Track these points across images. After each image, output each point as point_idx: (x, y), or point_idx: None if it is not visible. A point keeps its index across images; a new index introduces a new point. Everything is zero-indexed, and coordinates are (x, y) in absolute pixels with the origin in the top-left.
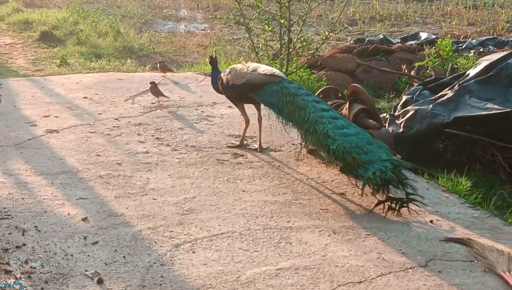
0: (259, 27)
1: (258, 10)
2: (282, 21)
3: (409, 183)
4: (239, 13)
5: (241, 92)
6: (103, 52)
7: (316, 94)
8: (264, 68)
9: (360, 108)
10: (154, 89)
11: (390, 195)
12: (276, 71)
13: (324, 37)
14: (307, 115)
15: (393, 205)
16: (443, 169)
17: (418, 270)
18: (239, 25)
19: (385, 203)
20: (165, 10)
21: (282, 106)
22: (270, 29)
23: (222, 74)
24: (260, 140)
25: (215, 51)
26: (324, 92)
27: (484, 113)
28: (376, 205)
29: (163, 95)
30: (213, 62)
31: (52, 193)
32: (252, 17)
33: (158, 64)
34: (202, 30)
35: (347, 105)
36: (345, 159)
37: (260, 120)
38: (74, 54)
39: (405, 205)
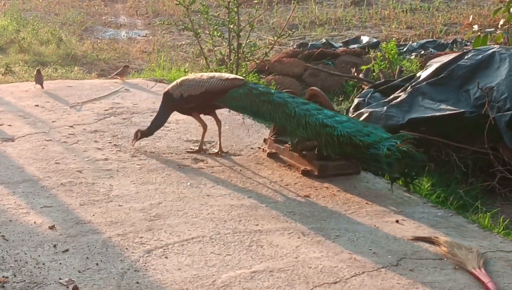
0: (207, 32)
1: (206, 16)
2: (231, 26)
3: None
4: (187, 19)
5: (200, 101)
6: (47, 59)
7: None
8: (222, 74)
9: None
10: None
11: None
12: (237, 75)
13: (273, 42)
14: (292, 110)
15: (408, 179)
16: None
17: (391, 269)
18: (186, 31)
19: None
20: (104, 17)
21: (257, 108)
22: (218, 34)
23: (169, 89)
24: (220, 144)
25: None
26: None
27: (437, 114)
28: (393, 182)
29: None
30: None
31: (15, 202)
32: (200, 23)
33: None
34: (144, 36)
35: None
36: (353, 143)
37: (219, 124)
38: (18, 62)
39: (415, 178)
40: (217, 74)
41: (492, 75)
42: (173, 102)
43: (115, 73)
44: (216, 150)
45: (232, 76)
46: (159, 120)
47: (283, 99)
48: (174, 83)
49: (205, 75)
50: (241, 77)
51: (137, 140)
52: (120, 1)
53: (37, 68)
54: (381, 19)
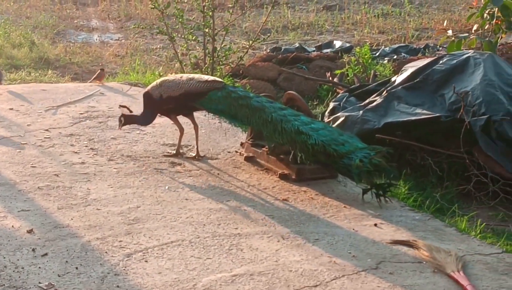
0: (182, 36)
1: (180, 20)
2: (206, 30)
3: (393, 167)
4: (161, 22)
5: (179, 103)
6: (19, 63)
7: None
8: (201, 76)
9: None
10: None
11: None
12: (217, 78)
13: (248, 46)
14: (269, 115)
15: (379, 192)
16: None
17: (370, 273)
18: (161, 34)
19: (371, 191)
20: (76, 21)
21: (235, 111)
22: (193, 38)
23: (149, 90)
24: (197, 148)
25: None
26: None
27: (413, 118)
28: (364, 193)
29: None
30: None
31: None
32: (175, 26)
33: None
34: (116, 40)
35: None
36: (327, 152)
37: (196, 128)
38: None
39: (387, 190)
40: (196, 76)
41: (467, 80)
42: (153, 102)
43: (93, 77)
44: (194, 154)
45: (212, 78)
46: (144, 119)
47: (261, 103)
48: (154, 83)
49: (185, 76)
50: (220, 80)
51: (122, 125)
52: (92, 5)
53: None
54: (353, 24)
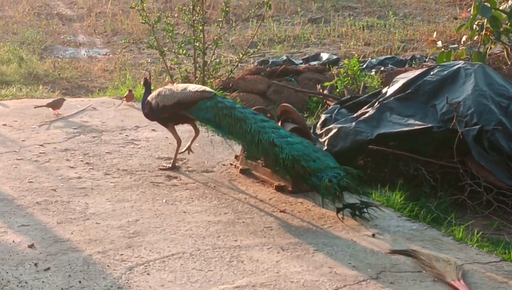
0: (172, 50)
1: (170, 34)
2: (197, 44)
3: (364, 189)
4: (151, 37)
5: (173, 112)
6: (9, 79)
7: None
8: (194, 86)
9: (293, 127)
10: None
11: (348, 202)
12: (207, 88)
13: (239, 60)
14: (249, 126)
15: (355, 212)
16: (366, 185)
17: (371, 282)
18: (151, 49)
19: (344, 211)
20: (62, 36)
21: (219, 120)
22: (184, 52)
23: (149, 99)
24: (189, 145)
25: (149, 73)
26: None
27: (406, 129)
28: (338, 212)
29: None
30: (147, 84)
31: None
32: (166, 41)
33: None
34: (104, 55)
35: (279, 124)
36: (295, 168)
37: (196, 134)
38: None
39: (364, 211)
40: (191, 86)
41: (458, 90)
42: (152, 111)
43: (123, 98)
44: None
45: (203, 88)
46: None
47: (244, 114)
48: (154, 93)
49: (180, 86)
50: (210, 90)
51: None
52: (78, 20)
53: None
54: (339, 36)
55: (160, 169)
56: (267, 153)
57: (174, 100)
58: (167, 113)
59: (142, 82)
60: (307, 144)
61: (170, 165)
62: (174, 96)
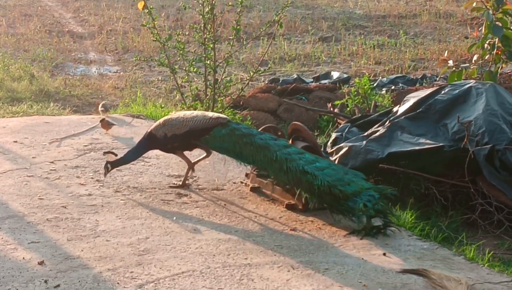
0: (183, 68)
1: (180, 52)
2: (208, 62)
3: (391, 210)
4: (162, 54)
5: (184, 141)
6: (20, 96)
7: None
8: (204, 113)
9: (304, 145)
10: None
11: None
12: (221, 114)
13: (249, 78)
14: (273, 154)
15: (372, 232)
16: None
17: None
18: (162, 66)
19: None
20: (73, 54)
21: (240, 149)
22: (194, 70)
23: (152, 130)
24: (196, 161)
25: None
26: (265, 130)
27: (417, 148)
28: (353, 233)
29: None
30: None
31: (2, 238)
32: (177, 59)
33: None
34: (115, 72)
35: (290, 143)
36: (332, 193)
37: (207, 156)
38: None
39: (381, 231)
40: (199, 113)
41: (469, 109)
42: (156, 142)
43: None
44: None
45: (216, 115)
46: (134, 155)
47: (265, 141)
48: (156, 123)
49: (188, 113)
50: (224, 116)
51: (108, 172)
52: (89, 38)
53: None
54: (349, 54)
55: (170, 186)
56: (299, 181)
57: (186, 128)
58: (176, 142)
59: (104, 166)
60: (335, 167)
61: (180, 183)
62: (185, 124)
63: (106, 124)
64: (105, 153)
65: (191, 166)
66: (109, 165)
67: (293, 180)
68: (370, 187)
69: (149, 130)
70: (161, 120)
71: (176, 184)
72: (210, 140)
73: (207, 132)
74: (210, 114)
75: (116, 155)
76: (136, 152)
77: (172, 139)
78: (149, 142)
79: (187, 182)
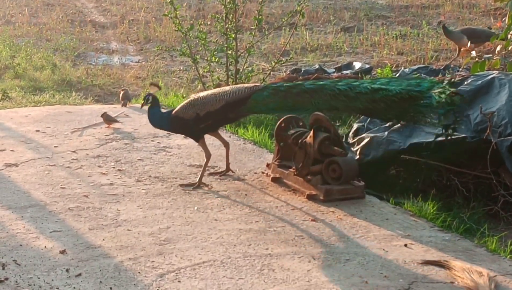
0: (205, 58)
1: (202, 42)
2: (229, 52)
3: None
4: (184, 44)
5: (219, 116)
6: (42, 85)
7: (279, 122)
8: (235, 86)
9: (325, 136)
10: (106, 117)
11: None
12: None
13: (272, 68)
14: (334, 89)
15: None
16: (398, 194)
17: None
18: (184, 56)
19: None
20: (96, 43)
21: (293, 101)
22: (216, 60)
23: (178, 112)
24: (228, 164)
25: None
26: (286, 120)
27: (439, 139)
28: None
29: (116, 121)
30: (154, 99)
31: (24, 227)
32: (199, 49)
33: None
34: (136, 62)
35: (311, 133)
36: (412, 97)
37: (227, 147)
38: (14, 88)
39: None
40: (228, 87)
41: (492, 100)
42: (184, 125)
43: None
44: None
45: (252, 84)
46: (160, 122)
47: (315, 84)
48: (181, 106)
49: (216, 90)
50: (257, 83)
51: (146, 105)
52: (111, 27)
53: None
54: (371, 45)
55: (180, 185)
56: (374, 100)
57: (222, 102)
58: (211, 120)
59: (144, 97)
60: (396, 79)
61: (197, 181)
62: (219, 98)
63: (105, 118)
64: (151, 84)
65: (209, 158)
66: (150, 98)
67: (367, 102)
68: (432, 83)
69: (173, 113)
70: (185, 102)
71: (191, 183)
72: (252, 105)
73: (245, 101)
74: (242, 85)
75: (160, 88)
76: (161, 121)
77: (206, 117)
78: (176, 125)
79: (206, 173)
